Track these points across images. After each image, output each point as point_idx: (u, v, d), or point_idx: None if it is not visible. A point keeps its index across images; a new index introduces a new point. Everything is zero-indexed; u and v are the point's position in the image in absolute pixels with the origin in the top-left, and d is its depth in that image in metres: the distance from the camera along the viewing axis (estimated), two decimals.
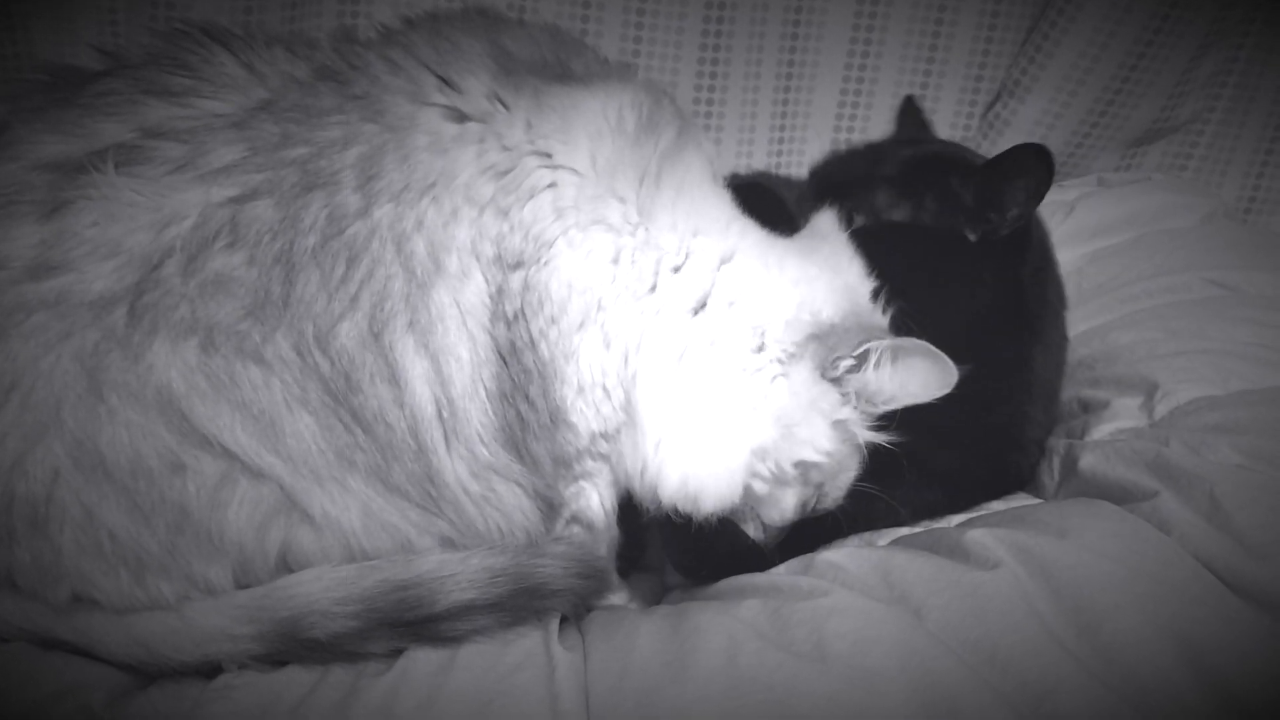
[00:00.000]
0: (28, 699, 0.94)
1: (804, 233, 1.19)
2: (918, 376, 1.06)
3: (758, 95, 1.94)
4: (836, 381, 1.08)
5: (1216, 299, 1.53)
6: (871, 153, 1.37)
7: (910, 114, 1.47)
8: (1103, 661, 0.91)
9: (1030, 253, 1.32)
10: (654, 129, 1.08)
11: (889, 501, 1.18)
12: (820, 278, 1.11)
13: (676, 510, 1.09)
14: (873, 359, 1.06)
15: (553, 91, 1.05)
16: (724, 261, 1.09)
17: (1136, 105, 1.91)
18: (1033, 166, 1.23)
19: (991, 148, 1.96)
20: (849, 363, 1.06)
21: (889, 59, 1.95)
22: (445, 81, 1.03)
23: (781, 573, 1.10)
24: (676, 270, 1.07)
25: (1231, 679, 0.89)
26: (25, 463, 0.93)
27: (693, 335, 1.07)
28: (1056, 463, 1.33)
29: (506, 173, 1.01)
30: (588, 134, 1.04)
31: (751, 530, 1.17)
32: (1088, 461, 1.25)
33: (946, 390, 1.05)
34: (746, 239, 1.11)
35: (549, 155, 1.02)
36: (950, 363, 1.04)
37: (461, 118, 1.02)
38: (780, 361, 1.08)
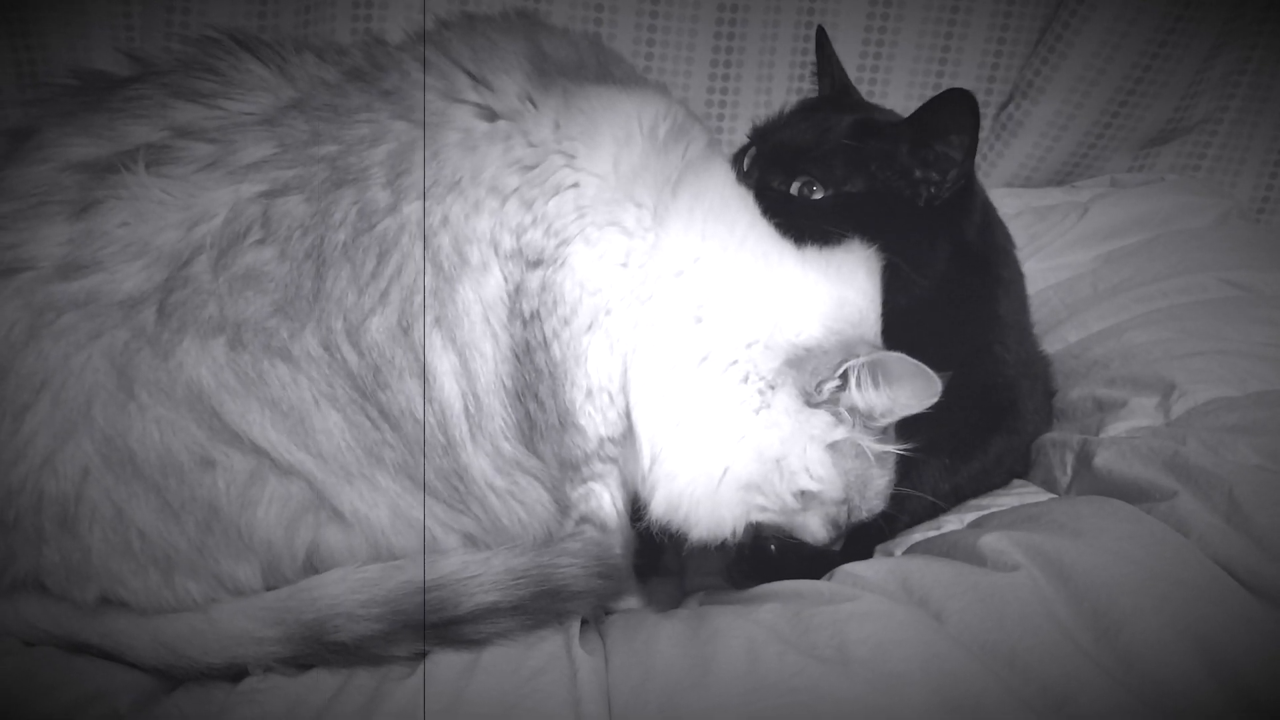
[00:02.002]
0: (54, 704, 0.94)
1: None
2: (904, 389, 1.04)
3: (770, 97, 1.94)
4: (826, 404, 1.06)
5: (1232, 299, 1.53)
6: (821, 118, 1.35)
7: (823, 45, 1.47)
8: (1122, 665, 0.91)
9: (975, 212, 1.33)
10: (684, 137, 1.10)
11: (924, 497, 1.21)
12: (814, 292, 1.09)
13: (667, 531, 1.09)
14: (853, 379, 1.04)
15: (585, 93, 1.06)
16: (723, 271, 1.07)
17: (1149, 106, 1.91)
18: (960, 117, 1.22)
19: (1005, 149, 1.96)
20: (833, 385, 1.05)
21: (901, 60, 1.95)
22: (478, 80, 1.04)
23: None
24: (679, 275, 1.06)
25: (1252, 681, 0.88)
26: (55, 461, 0.94)
27: (684, 348, 1.06)
28: (1070, 458, 1.32)
29: (533, 167, 1.02)
30: (615, 138, 1.05)
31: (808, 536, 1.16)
32: (1103, 458, 1.25)
33: (934, 398, 1.04)
34: (749, 248, 1.10)
35: (573, 156, 1.03)
36: (929, 371, 1.02)
37: (492, 116, 1.03)
38: (761, 392, 1.06)
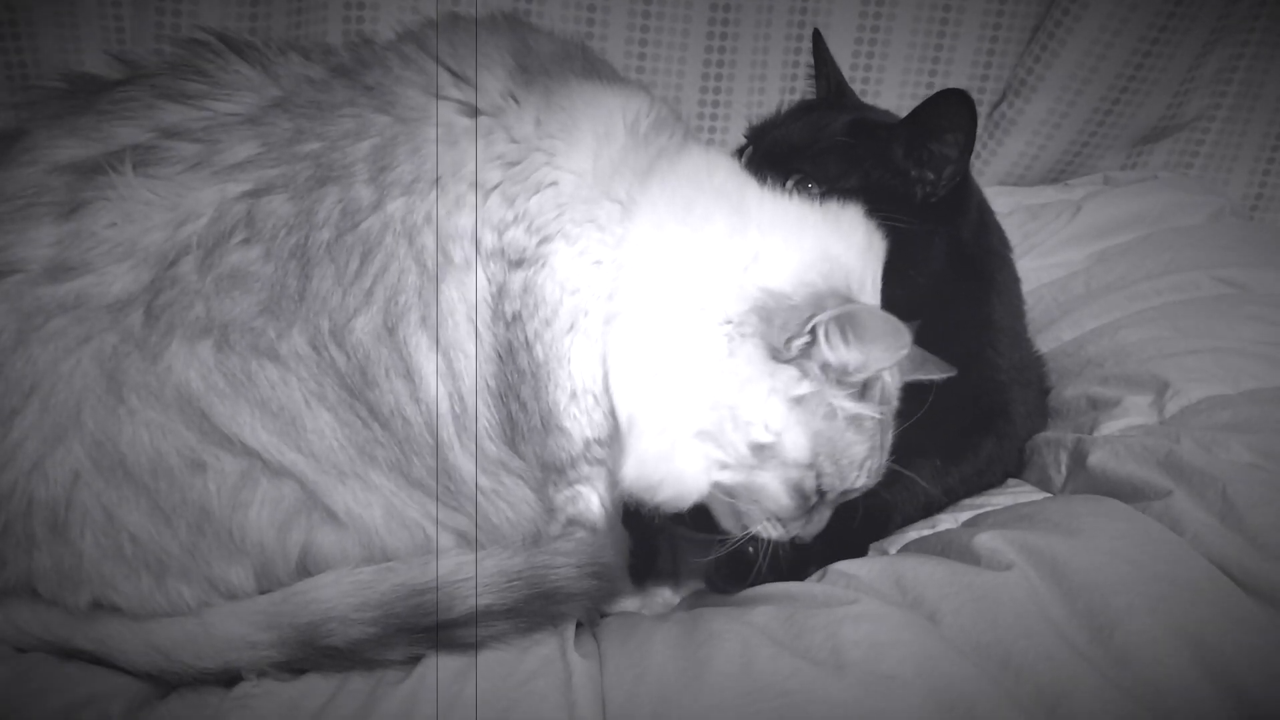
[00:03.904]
0: (46, 709, 0.94)
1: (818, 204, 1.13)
2: (876, 343, 0.99)
3: (763, 97, 1.95)
4: (795, 360, 1.01)
5: (1225, 297, 1.53)
6: (816, 118, 1.35)
7: (820, 48, 1.47)
8: (1117, 664, 0.91)
9: (970, 211, 1.33)
10: (664, 131, 1.09)
11: (923, 485, 1.20)
12: (791, 239, 1.04)
13: (635, 500, 1.06)
14: (821, 334, 0.99)
15: (568, 90, 1.05)
16: (684, 230, 1.04)
17: (1142, 103, 1.92)
18: (956, 117, 1.22)
19: (998, 147, 1.96)
20: (802, 341, 0.99)
21: (894, 59, 1.95)
22: (460, 76, 1.04)
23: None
24: (642, 259, 1.03)
25: (1246, 680, 0.89)
26: (45, 465, 0.94)
27: (650, 322, 1.03)
28: (1064, 457, 1.32)
29: (515, 164, 1.01)
30: (595, 134, 1.04)
31: (769, 529, 1.10)
32: (1097, 457, 1.25)
33: (905, 350, 1.00)
34: (721, 200, 1.06)
35: (553, 154, 1.02)
36: (897, 322, 0.98)
37: (473, 112, 1.03)
38: (729, 338, 1.02)
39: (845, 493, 1.08)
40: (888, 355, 1.00)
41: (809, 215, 1.08)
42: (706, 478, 1.05)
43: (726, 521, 1.11)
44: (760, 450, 1.03)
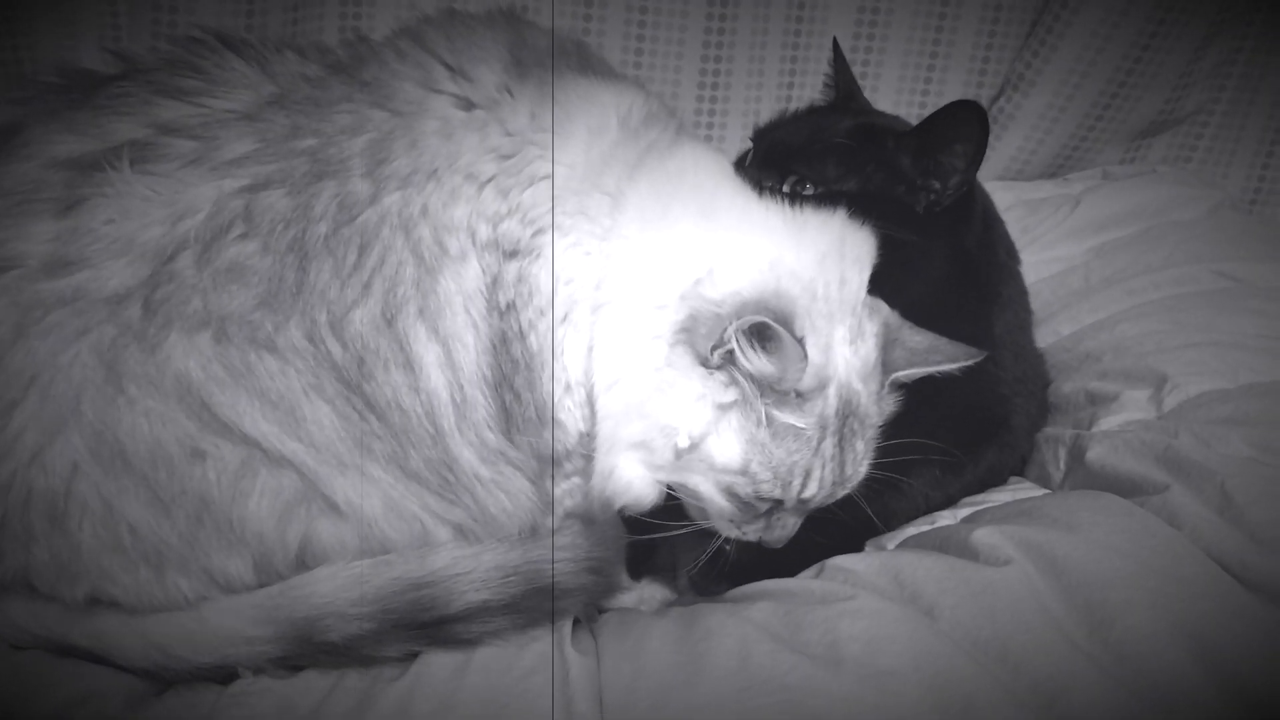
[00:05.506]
0: (42, 707, 0.94)
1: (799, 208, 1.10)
2: (782, 355, 0.97)
3: (761, 92, 1.94)
4: (723, 369, 1.00)
5: (1224, 291, 1.53)
6: (818, 120, 1.34)
7: (838, 55, 1.46)
8: (1114, 659, 0.91)
9: (974, 221, 1.31)
10: (655, 124, 1.09)
11: (921, 493, 1.20)
12: (746, 252, 1.02)
13: (607, 502, 1.07)
14: (733, 344, 0.97)
15: (562, 84, 1.05)
16: (655, 237, 1.03)
17: (1141, 98, 1.91)
18: (967, 129, 1.21)
19: (996, 142, 1.96)
20: (724, 349, 0.98)
21: (892, 54, 1.95)
22: (456, 71, 1.04)
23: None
24: (624, 254, 1.03)
25: (1244, 674, 0.89)
26: (44, 456, 0.94)
27: (620, 322, 1.03)
28: (1063, 453, 1.32)
29: (509, 156, 1.02)
30: (589, 127, 1.04)
31: (726, 528, 1.09)
32: (1096, 453, 1.25)
33: (802, 361, 0.97)
34: (693, 213, 1.04)
35: (546, 148, 1.02)
36: (789, 338, 0.96)
37: (469, 105, 1.03)
38: (670, 345, 1.01)
39: (804, 501, 1.05)
40: (794, 369, 0.98)
41: (771, 221, 1.06)
42: (650, 482, 1.05)
43: (693, 513, 1.11)
44: (684, 454, 1.02)
